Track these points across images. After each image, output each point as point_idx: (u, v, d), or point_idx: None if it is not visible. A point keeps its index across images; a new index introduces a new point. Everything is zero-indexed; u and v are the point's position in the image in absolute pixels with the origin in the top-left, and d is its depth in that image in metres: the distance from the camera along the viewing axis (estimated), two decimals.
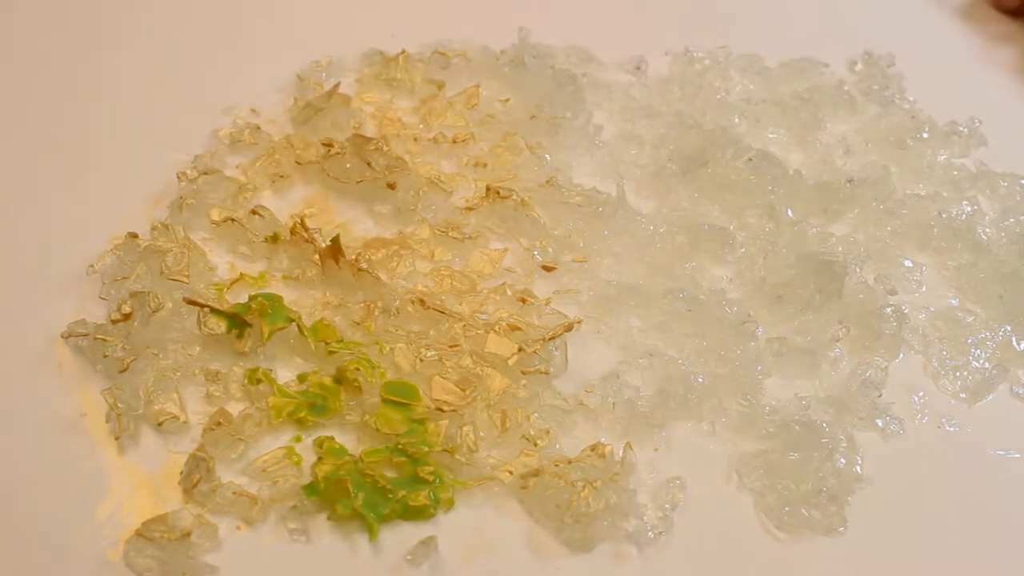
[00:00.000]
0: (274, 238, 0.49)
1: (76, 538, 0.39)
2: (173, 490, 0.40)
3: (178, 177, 0.51)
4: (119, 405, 0.42)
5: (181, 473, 0.40)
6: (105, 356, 0.43)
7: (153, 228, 0.48)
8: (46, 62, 0.58)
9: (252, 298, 0.45)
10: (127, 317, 0.44)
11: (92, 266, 0.47)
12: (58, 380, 0.43)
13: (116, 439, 0.41)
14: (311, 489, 0.40)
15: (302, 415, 0.42)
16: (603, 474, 0.41)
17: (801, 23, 0.68)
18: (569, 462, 0.42)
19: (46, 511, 0.39)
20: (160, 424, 0.42)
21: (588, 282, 0.49)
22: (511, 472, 0.42)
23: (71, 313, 0.45)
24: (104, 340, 0.43)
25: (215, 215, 0.49)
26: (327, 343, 0.45)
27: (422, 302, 0.46)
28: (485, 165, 0.54)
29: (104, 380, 0.43)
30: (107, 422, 0.42)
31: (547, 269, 0.50)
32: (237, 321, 0.44)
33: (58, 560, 0.38)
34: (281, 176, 0.53)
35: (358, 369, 0.43)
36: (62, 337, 0.44)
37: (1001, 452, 0.45)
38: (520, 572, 0.40)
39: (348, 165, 0.52)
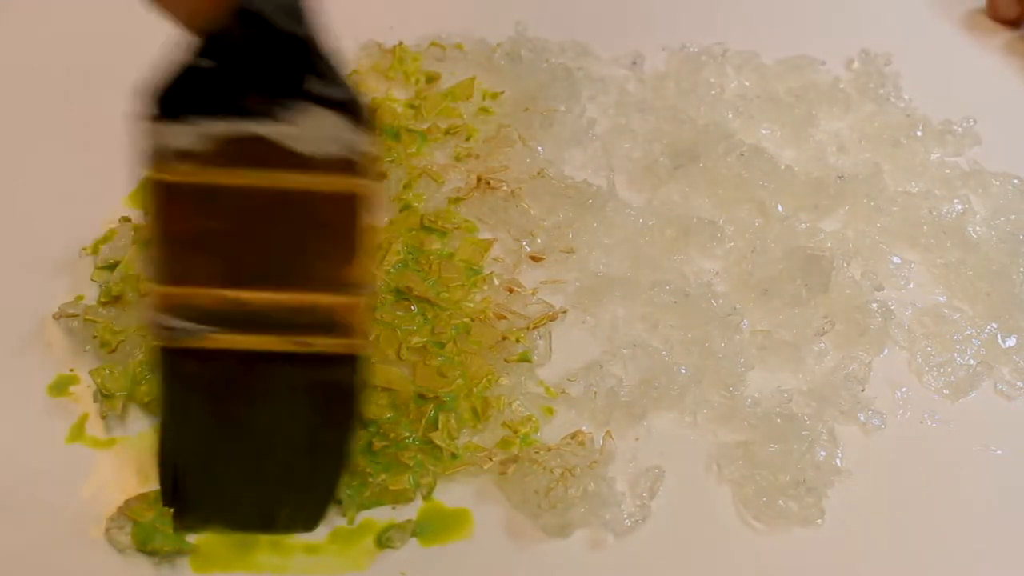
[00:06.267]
0: None
1: (60, 515, 0.39)
2: None
3: None
4: (107, 385, 0.42)
5: None
6: (94, 337, 0.44)
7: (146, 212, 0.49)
8: (44, 50, 0.59)
9: None
10: (117, 299, 0.45)
11: (85, 249, 0.47)
12: (49, 360, 0.44)
13: (103, 418, 0.42)
14: None
15: None
16: (582, 462, 0.41)
17: (799, 21, 0.68)
18: (549, 449, 0.42)
19: (32, 488, 0.40)
20: (146, 404, 0.42)
21: (575, 273, 0.50)
22: (491, 458, 0.42)
23: (64, 294, 0.46)
24: (94, 321, 0.44)
25: None
26: None
27: (409, 290, 0.47)
28: (477, 156, 0.55)
29: (93, 360, 0.44)
30: (94, 401, 0.42)
31: (535, 259, 0.50)
32: None
33: (42, 536, 0.39)
34: None
35: None
36: (53, 318, 0.45)
37: (983, 448, 0.45)
38: (497, 557, 0.40)
39: None
